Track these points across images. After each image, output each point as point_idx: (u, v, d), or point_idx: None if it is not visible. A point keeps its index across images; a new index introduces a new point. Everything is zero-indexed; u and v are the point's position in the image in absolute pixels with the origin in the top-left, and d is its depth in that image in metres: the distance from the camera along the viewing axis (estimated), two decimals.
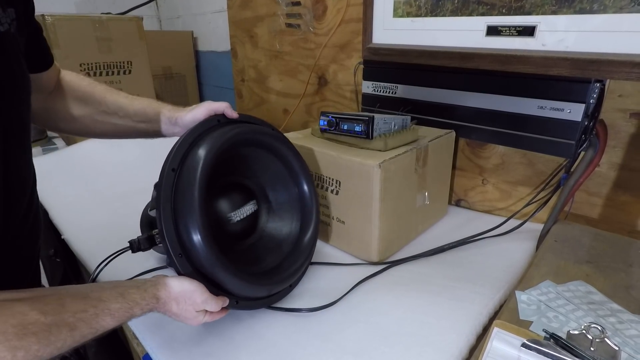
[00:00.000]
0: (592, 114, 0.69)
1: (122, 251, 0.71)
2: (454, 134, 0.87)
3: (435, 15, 0.79)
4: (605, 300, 0.55)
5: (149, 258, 0.77)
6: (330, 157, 0.75)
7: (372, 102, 1.02)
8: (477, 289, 0.65)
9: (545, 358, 0.44)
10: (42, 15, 1.28)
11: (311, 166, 0.77)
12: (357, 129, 0.74)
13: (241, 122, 0.64)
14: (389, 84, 0.97)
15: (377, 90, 1.00)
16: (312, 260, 0.72)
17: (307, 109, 1.30)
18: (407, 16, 0.84)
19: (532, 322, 0.52)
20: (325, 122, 0.79)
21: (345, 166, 0.72)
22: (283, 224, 0.69)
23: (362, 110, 1.05)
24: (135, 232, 0.74)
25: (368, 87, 1.02)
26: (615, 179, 0.74)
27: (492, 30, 0.73)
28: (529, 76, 0.72)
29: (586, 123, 0.70)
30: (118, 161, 1.28)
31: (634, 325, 0.50)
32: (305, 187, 0.69)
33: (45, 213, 0.96)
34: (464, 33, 0.76)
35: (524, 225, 0.81)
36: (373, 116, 0.72)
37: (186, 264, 0.52)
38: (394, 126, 0.77)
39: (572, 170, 0.75)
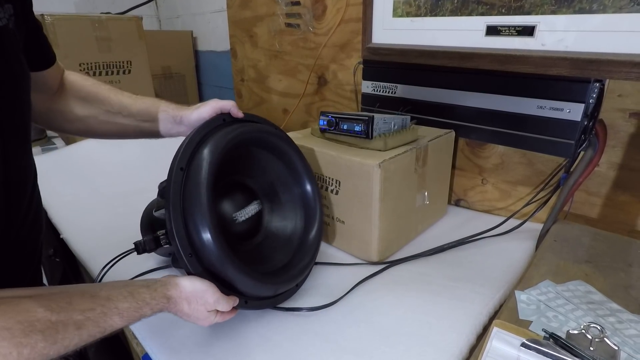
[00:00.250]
0: (592, 114, 0.69)
1: (127, 253, 0.71)
2: (453, 133, 0.87)
3: (435, 15, 0.79)
4: (604, 300, 0.55)
5: (149, 259, 0.77)
6: (330, 157, 0.75)
7: (371, 102, 1.02)
8: (477, 289, 0.65)
9: (545, 358, 0.44)
10: (42, 15, 1.28)
11: (311, 166, 0.77)
12: (357, 128, 0.74)
13: (246, 121, 0.64)
14: (388, 84, 0.97)
15: (377, 90, 1.00)
16: None
17: (307, 108, 1.30)
18: (407, 16, 0.84)
19: (532, 321, 0.52)
20: (325, 122, 0.79)
21: (345, 166, 0.72)
22: (287, 223, 0.69)
23: (361, 110, 1.05)
24: (135, 232, 0.74)
25: (368, 86, 1.02)
26: (614, 178, 0.74)
27: (492, 30, 0.73)
28: (529, 76, 0.72)
29: (585, 123, 0.70)
30: (117, 161, 1.28)
31: (633, 325, 0.50)
32: (308, 187, 0.69)
33: (44, 212, 0.96)
34: (463, 33, 0.76)
35: (523, 225, 0.81)
36: (373, 116, 0.72)
37: (197, 263, 0.52)
38: (394, 126, 0.77)
39: (571, 170, 0.75)
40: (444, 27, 0.79)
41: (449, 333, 0.56)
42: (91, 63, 1.42)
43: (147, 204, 0.76)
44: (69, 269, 1.04)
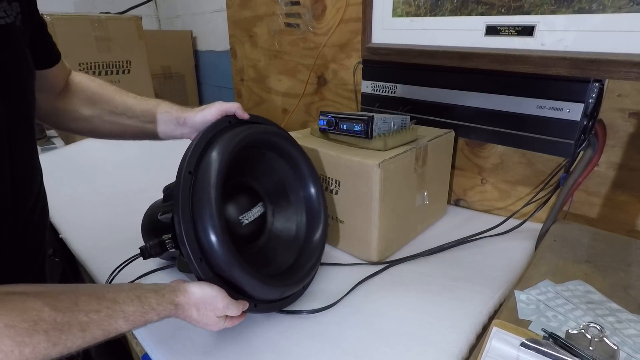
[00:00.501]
0: (591, 114, 0.69)
1: (133, 258, 0.70)
2: (453, 133, 0.87)
3: (435, 15, 0.79)
4: (604, 300, 0.55)
5: (150, 259, 0.77)
6: (329, 156, 0.75)
7: (371, 102, 1.02)
8: (477, 289, 0.65)
9: (544, 357, 0.45)
10: (41, 15, 1.28)
11: None
12: (357, 128, 0.74)
13: (251, 123, 0.63)
14: (388, 84, 0.97)
15: (377, 89, 1.00)
16: None
17: (307, 108, 1.30)
18: (407, 16, 0.84)
19: (531, 321, 0.52)
20: (325, 122, 0.79)
21: (345, 166, 0.72)
22: (291, 225, 0.69)
23: (361, 110, 1.05)
24: (135, 231, 0.74)
25: (367, 86, 1.02)
26: (614, 178, 0.74)
27: (491, 30, 0.73)
28: (528, 76, 0.72)
29: (585, 123, 0.70)
30: (117, 160, 1.28)
31: (632, 325, 0.50)
32: (312, 188, 0.69)
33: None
34: (463, 33, 0.76)
35: (523, 225, 0.81)
36: (372, 116, 0.72)
37: (207, 268, 0.51)
38: (394, 126, 0.77)
39: (571, 169, 0.75)
40: (443, 27, 0.79)
41: (449, 333, 0.56)
42: (90, 63, 1.42)
43: (146, 204, 0.75)
44: (68, 268, 1.04)
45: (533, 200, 0.81)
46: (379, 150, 0.72)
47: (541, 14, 0.66)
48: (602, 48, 0.62)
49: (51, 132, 1.65)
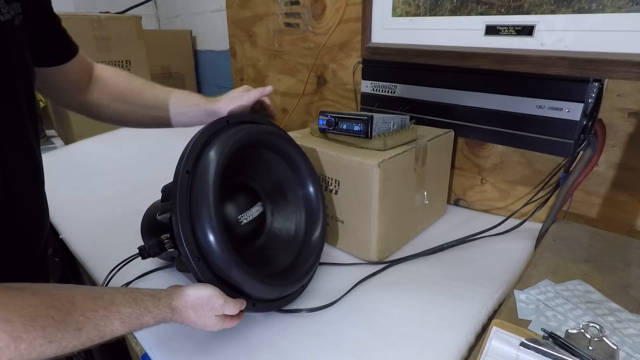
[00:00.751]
0: (591, 114, 0.69)
1: (132, 258, 0.71)
2: (452, 133, 0.87)
3: (434, 15, 0.79)
4: (603, 300, 0.55)
5: (149, 259, 0.77)
6: (329, 156, 0.75)
7: (371, 102, 1.02)
8: (476, 288, 0.65)
9: (544, 357, 0.45)
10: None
11: None
12: (356, 128, 0.74)
13: (249, 122, 0.63)
14: (388, 84, 0.97)
15: (376, 89, 1.00)
16: None
17: (306, 108, 1.30)
18: (406, 15, 0.84)
19: (531, 321, 0.52)
20: (324, 122, 0.79)
21: (345, 166, 0.72)
22: (290, 224, 0.69)
23: (361, 110, 1.05)
24: (135, 231, 0.74)
25: (367, 86, 1.02)
26: (613, 178, 0.74)
27: (491, 30, 0.73)
28: (528, 75, 0.72)
29: (585, 122, 0.70)
30: (116, 160, 1.28)
31: (632, 324, 0.50)
32: (311, 188, 0.69)
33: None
34: (462, 32, 0.76)
35: (522, 225, 0.81)
36: (372, 116, 0.72)
37: (205, 268, 0.51)
38: (393, 126, 0.77)
39: (570, 169, 0.75)
40: (443, 27, 0.79)
41: (448, 332, 0.56)
42: None
43: (146, 204, 0.75)
44: (68, 268, 1.04)
45: (533, 200, 0.81)
46: (379, 150, 0.72)
47: (541, 13, 0.66)
48: (601, 48, 0.62)
49: (51, 132, 1.66)
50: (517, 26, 0.69)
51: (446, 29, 0.79)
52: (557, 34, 0.66)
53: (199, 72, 1.98)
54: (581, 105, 0.69)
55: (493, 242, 0.80)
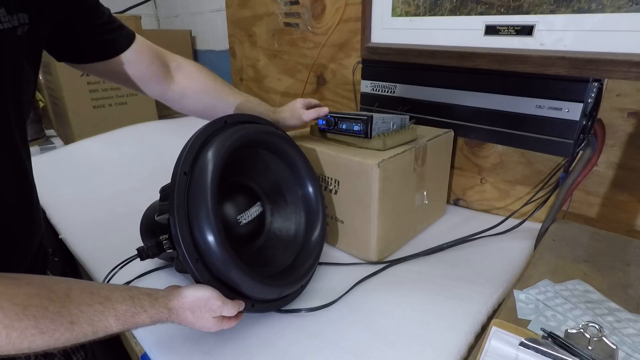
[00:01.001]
0: (590, 113, 0.69)
1: (130, 259, 0.70)
2: (452, 133, 0.87)
3: (434, 15, 0.79)
4: (603, 299, 0.55)
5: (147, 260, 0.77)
6: (329, 156, 0.75)
7: (370, 102, 1.02)
8: (476, 288, 0.65)
9: (543, 357, 0.45)
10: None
11: None
12: (356, 128, 0.74)
13: (247, 123, 0.63)
14: (387, 83, 0.97)
15: (376, 89, 1.00)
16: None
17: None
18: (406, 15, 0.84)
19: (530, 321, 0.52)
20: (324, 122, 0.79)
21: (344, 165, 0.72)
22: (289, 225, 0.69)
23: (360, 110, 1.05)
24: (134, 231, 0.74)
25: (367, 86, 1.02)
26: (613, 178, 0.74)
27: (491, 30, 0.73)
28: (527, 75, 0.72)
29: (584, 122, 0.70)
30: (115, 160, 1.28)
31: (631, 324, 0.50)
32: (310, 188, 0.69)
33: (42, 212, 0.96)
34: (462, 32, 0.76)
35: (522, 225, 0.81)
36: (372, 115, 0.72)
37: (203, 269, 0.51)
38: (393, 125, 0.77)
39: (570, 169, 0.75)
40: (442, 27, 0.79)
41: (448, 332, 0.56)
42: None
43: (146, 204, 0.75)
44: (67, 268, 1.04)
45: (532, 199, 0.81)
46: (378, 150, 0.72)
47: (540, 13, 0.66)
48: (601, 48, 0.62)
49: (50, 132, 1.65)
50: (517, 26, 0.69)
51: (446, 29, 0.79)
52: (556, 34, 0.66)
53: None
54: (581, 105, 0.69)
55: (492, 242, 0.80)
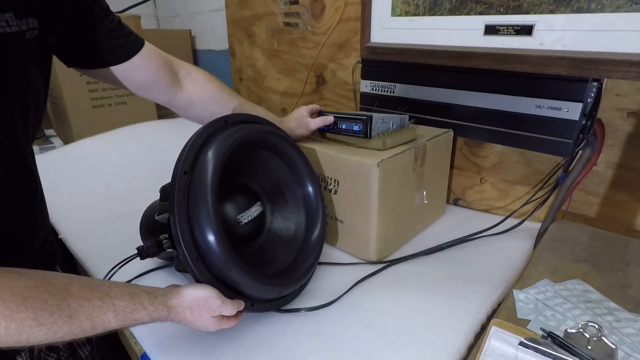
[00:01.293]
0: (590, 113, 0.69)
1: (130, 259, 0.70)
2: (452, 133, 0.87)
3: (433, 15, 0.79)
4: (602, 299, 0.55)
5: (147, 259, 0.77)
6: (328, 156, 0.75)
7: (370, 101, 1.02)
8: (476, 288, 0.65)
9: (543, 356, 0.45)
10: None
11: None
12: (356, 128, 0.74)
13: (247, 123, 0.63)
14: (387, 83, 0.97)
15: (376, 89, 1.00)
16: None
17: None
18: (405, 15, 0.84)
19: (530, 320, 0.52)
20: None
21: (344, 165, 0.72)
22: (289, 224, 0.69)
23: (360, 110, 1.05)
24: (134, 231, 0.74)
25: (366, 86, 1.02)
26: (612, 177, 0.74)
27: (490, 30, 0.73)
28: (527, 75, 0.72)
29: (584, 122, 0.70)
30: (115, 160, 1.28)
31: (630, 324, 0.50)
32: (310, 187, 0.69)
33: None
34: (462, 32, 0.76)
35: (521, 224, 0.81)
36: (371, 115, 0.72)
37: (203, 268, 0.51)
38: (392, 125, 0.77)
39: (569, 169, 0.75)
40: (442, 27, 0.79)
41: (448, 332, 0.56)
42: None
43: (146, 204, 0.75)
44: (67, 268, 1.04)
45: (532, 199, 0.81)
46: (378, 149, 0.72)
47: (540, 13, 0.66)
48: (600, 47, 0.62)
49: (50, 132, 1.65)
50: (516, 26, 0.69)
51: (445, 29, 0.79)
52: (556, 34, 0.66)
53: None
54: (580, 104, 0.69)
55: (492, 241, 0.80)
